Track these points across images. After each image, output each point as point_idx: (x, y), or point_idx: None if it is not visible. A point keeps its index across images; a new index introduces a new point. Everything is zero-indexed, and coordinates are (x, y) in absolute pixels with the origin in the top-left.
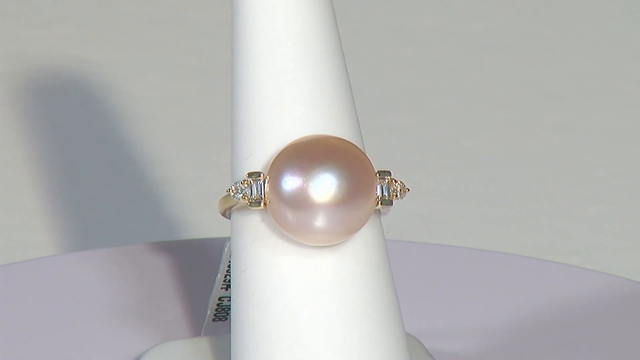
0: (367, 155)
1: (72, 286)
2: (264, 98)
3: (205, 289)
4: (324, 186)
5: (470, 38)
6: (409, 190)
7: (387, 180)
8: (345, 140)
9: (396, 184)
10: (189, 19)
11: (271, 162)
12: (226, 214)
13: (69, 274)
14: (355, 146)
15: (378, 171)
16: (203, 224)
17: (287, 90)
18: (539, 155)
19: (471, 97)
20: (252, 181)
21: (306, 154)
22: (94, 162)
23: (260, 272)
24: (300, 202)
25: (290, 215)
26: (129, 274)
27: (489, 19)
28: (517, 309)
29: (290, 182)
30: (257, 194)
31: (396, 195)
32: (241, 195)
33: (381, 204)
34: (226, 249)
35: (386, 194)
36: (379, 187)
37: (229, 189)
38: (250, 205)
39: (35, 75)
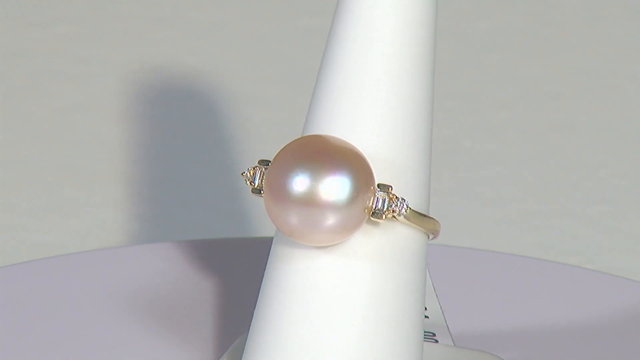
0: (369, 162)
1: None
2: (340, 95)
3: (236, 288)
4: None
5: (472, 37)
6: (410, 208)
7: (386, 194)
8: (346, 143)
9: (397, 200)
10: (189, 19)
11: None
12: None
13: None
14: (356, 151)
15: (378, 184)
16: (206, 223)
17: (363, 96)
18: (540, 155)
19: (472, 96)
20: (261, 169)
21: (299, 153)
22: (94, 162)
23: (268, 262)
24: (277, 196)
25: (272, 206)
26: (156, 271)
27: (491, 18)
28: (518, 309)
29: (274, 177)
30: (260, 182)
31: (394, 210)
32: (248, 180)
33: (372, 215)
34: None
35: (381, 206)
36: (376, 198)
37: (243, 172)
38: (252, 192)
39: (35, 75)
